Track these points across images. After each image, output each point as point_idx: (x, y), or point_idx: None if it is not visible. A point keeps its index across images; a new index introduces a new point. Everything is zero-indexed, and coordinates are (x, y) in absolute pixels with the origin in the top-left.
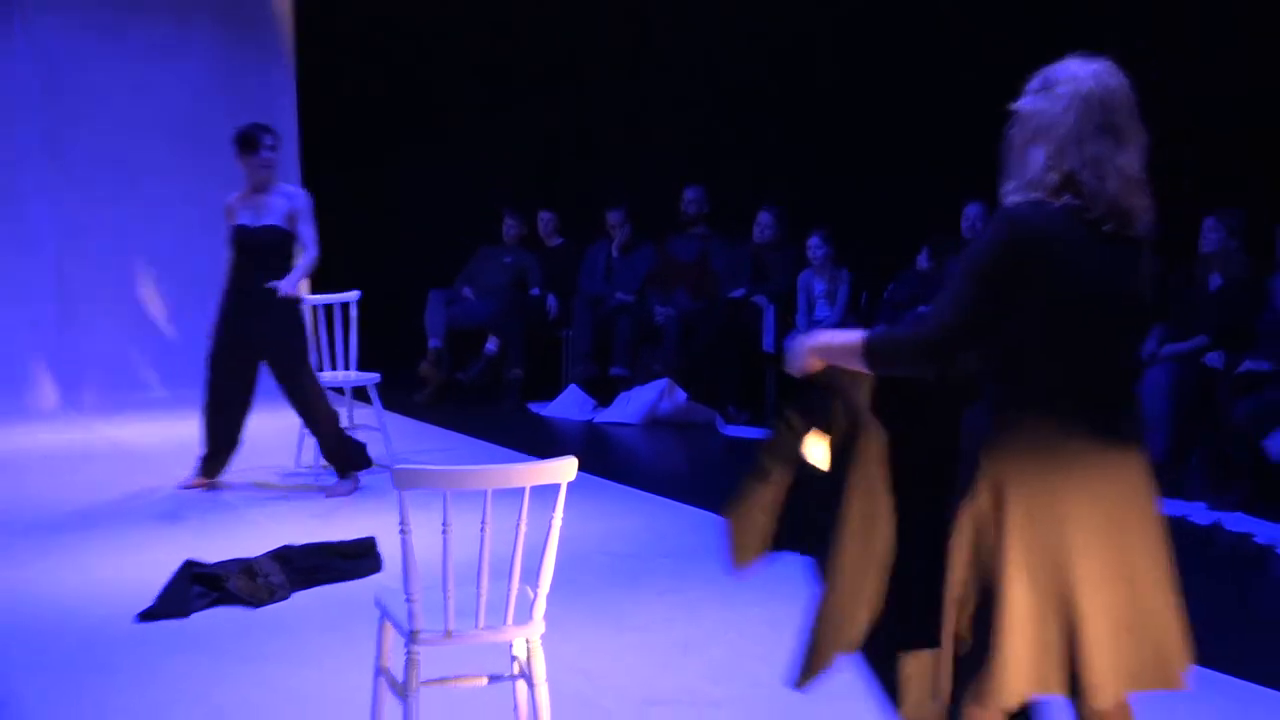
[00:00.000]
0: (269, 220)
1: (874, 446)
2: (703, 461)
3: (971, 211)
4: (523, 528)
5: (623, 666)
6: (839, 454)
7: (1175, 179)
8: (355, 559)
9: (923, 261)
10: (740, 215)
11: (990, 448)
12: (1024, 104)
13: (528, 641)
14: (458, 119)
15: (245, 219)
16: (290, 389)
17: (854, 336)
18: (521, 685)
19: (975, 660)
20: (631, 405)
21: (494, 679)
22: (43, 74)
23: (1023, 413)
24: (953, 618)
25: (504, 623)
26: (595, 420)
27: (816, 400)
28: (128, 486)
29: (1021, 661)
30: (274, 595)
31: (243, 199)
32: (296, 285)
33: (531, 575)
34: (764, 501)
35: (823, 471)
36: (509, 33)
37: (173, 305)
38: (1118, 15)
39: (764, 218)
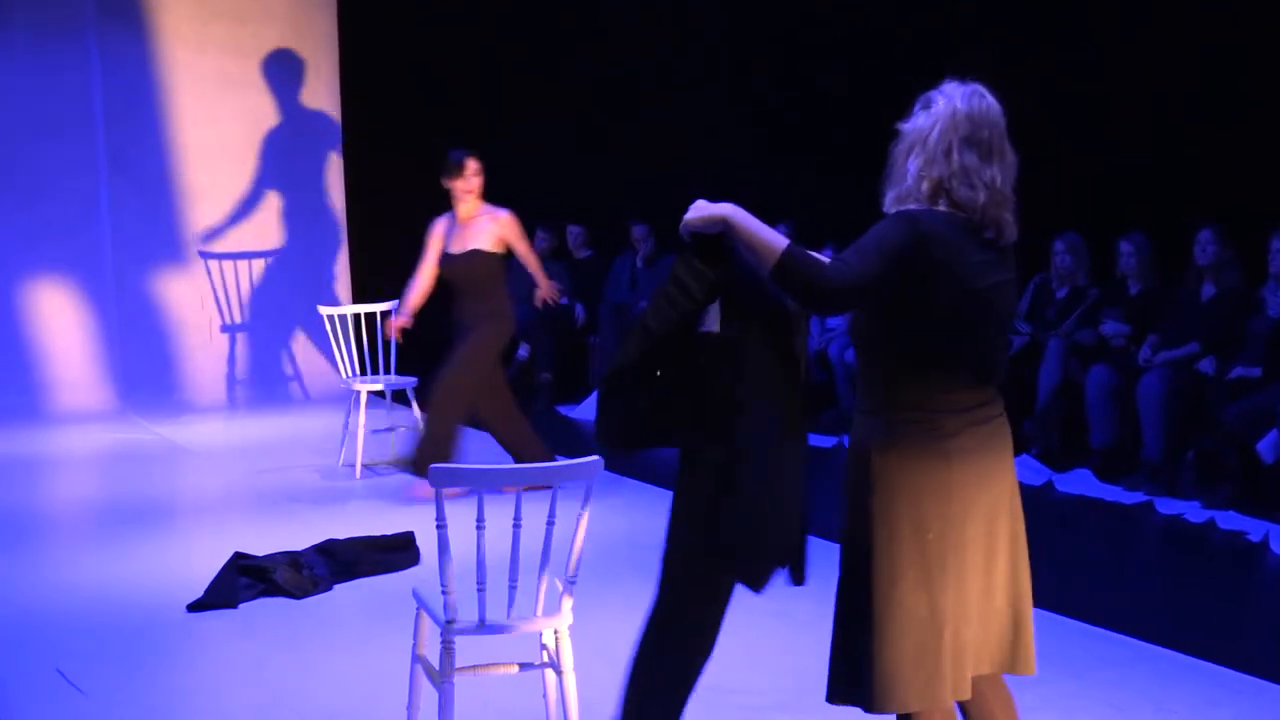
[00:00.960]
0: (473, 245)
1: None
2: None
3: None
4: (553, 523)
5: None
6: (729, 329)
7: (1173, 191)
8: (395, 553)
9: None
10: None
11: (881, 448)
12: (906, 123)
13: (556, 631)
14: (491, 139)
15: (450, 247)
16: (446, 382)
17: (776, 238)
18: (550, 673)
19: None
20: None
21: (524, 667)
22: (115, 98)
23: (906, 409)
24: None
25: (534, 614)
26: None
27: (715, 259)
28: (180, 484)
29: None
30: (317, 587)
31: (450, 225)
32: (544, 276)
33: (560, 568)
34: (646, 386)
35: (717, 352)
36: (540, 55)
37: (225, 315)
38: (1114, 26)
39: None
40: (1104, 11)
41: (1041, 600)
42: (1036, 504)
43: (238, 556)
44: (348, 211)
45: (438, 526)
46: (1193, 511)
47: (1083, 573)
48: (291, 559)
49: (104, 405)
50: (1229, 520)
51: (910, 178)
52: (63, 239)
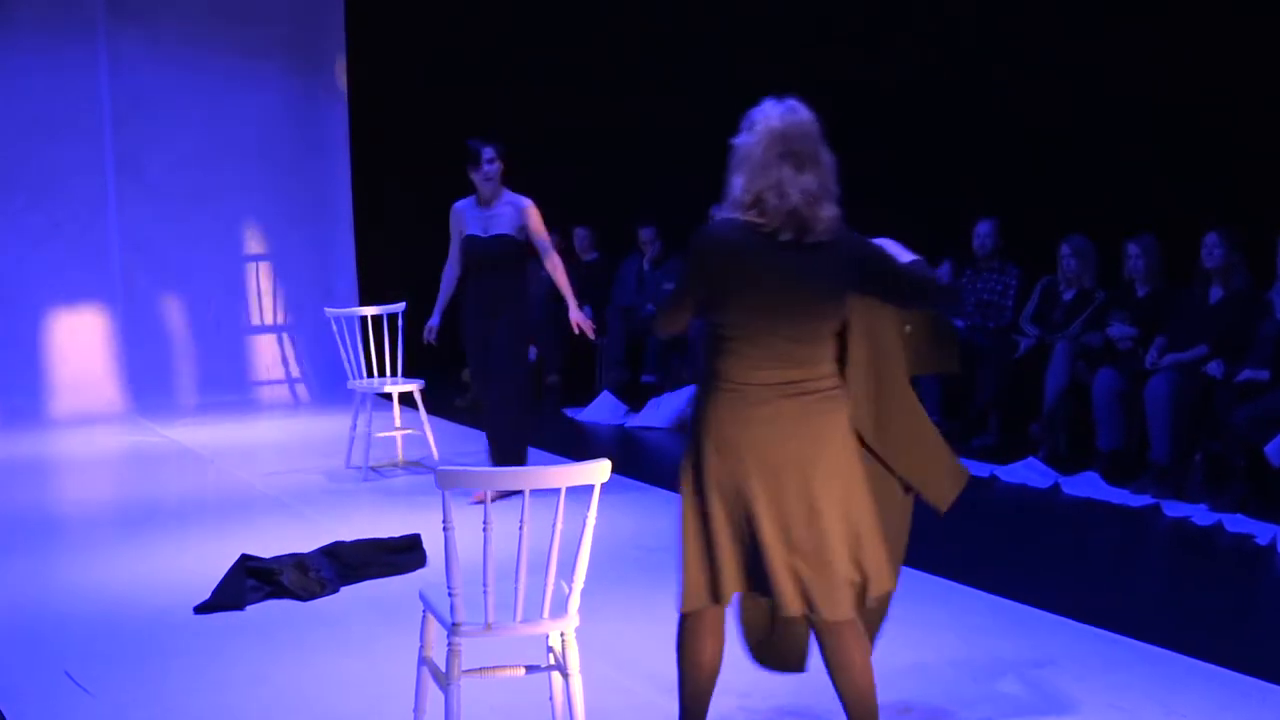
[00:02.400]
0: (498, 230)
1: None
2: None
3: (982, 229)
4: (559, 526)
5: (653, 657)
6: None
7: (1181, 193)
8: (401, 555)
9: (943, 275)
10: None
11: (700, 408)
12: (735, 140)
13: (563, 634)
14: (498, 141)
15: (475, 229)
16: (501, 387)
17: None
18: (557, 676)
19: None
20: (662, 410)
21: (531, 669)
22: (123, 98)
23: (721, 380)
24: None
25: (541, 616)
26: (627, 424)
27: None
28: (187, 486)
29: (699, 573)
30: (324, 589)
31: (474, 208)
32: (575, 303)
33: (567, 571)
34: None
35: None
36: (547, 57)
37: (231, 315)
38: (1122, 26)
39: None
40: (1112, 11)
41: (1048, 602)
42: (1043, 507)
43: (245, 559)
44: (355, 213)
45: (444, 528)
46: (1200, 514)
47: (1090, 575)
48: (298, 561)
49: (111, 407)
50: (1236, 523)
51: (737, 191)
52: (71, 240)
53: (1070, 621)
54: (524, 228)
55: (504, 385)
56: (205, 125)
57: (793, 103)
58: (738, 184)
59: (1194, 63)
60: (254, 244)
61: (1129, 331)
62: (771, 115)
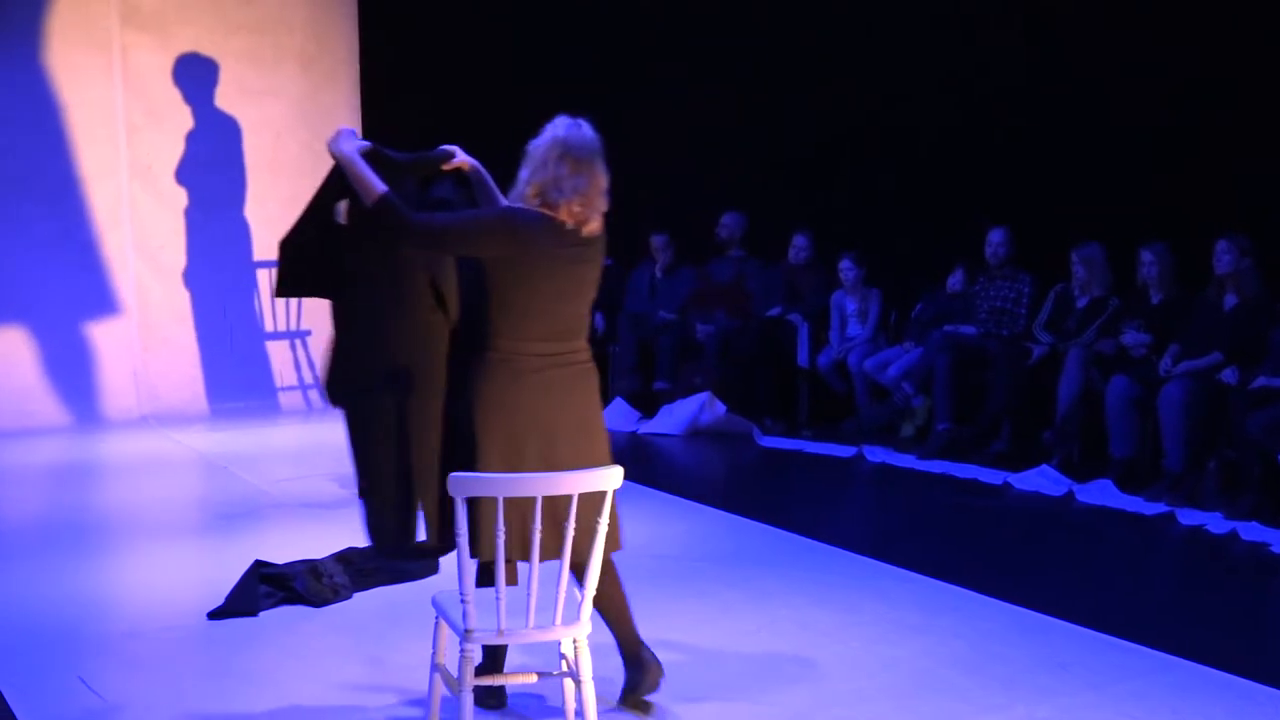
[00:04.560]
0: None
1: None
2: (741, 470)
3: (995, 238)
4: (571, 532)
5: (665, 664)
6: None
7: (1195, 200)
8: (414, 561)
9: (955, 283)
10: (774, 239)
11: (477, 375)
12: (531, 143)
13: (575, 640)
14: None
15: None
16: None
17: (376, 184)
18: (569, 682)
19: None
20: (674, 417)
21: (543, 676)
22: (137, 107)
23: (499, 351)
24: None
25: (553, 623)
26: (640, 431)
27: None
28: (200, 491)
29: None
30: (337, 595)
31: None
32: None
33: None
34: (314, 239)
35: (337, 225)
36: (558, 66)
37: (244, 321)
38: (1131, 34)
39: (799, 240)
40: (1118, 18)
41: (1062, 610)
42: (1057, 515)
43: (258, 565)
44: None
45: (456, 534)
46: (1215, 522)
47: (1103, 583)
48: (311, 567)
49: (125, 414)
50: (1251, 531)
51: (521, 183)
52: (85, 247)
53: (1084, 629)
54: None
55: None
56: (218, 134)
57: (580, 120)
58: (523, 178)
59: (1203, 69)
60: (266, 252)
61: (1143, 339)
62: (559, 126)
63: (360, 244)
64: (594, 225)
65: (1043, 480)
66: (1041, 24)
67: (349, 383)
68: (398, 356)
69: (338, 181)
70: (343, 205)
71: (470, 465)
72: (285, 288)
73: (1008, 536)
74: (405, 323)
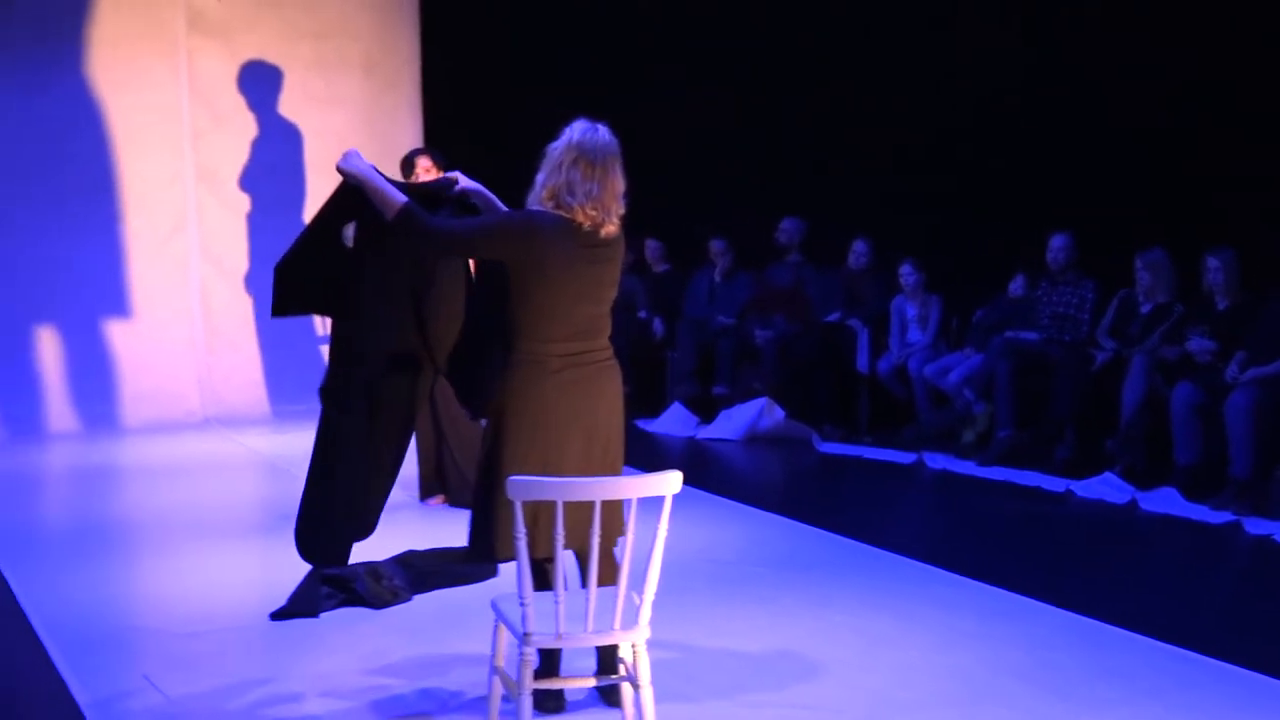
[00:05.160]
0: None
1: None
2: (799, 476)
3: (1056, 243)
4: (630, 537)
5: (722, 670)
6: (361, 246)
7: (1262, 205)
8: (472, 564)
9: (1016, 289)
10: (833, 244)
11: (504, 378)
12: (549, 146)
13: (634, 645)
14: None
15: None
16: None
17: (396, 196)
18: (627, 687)
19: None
20: (732, 422)
21: (602, 680)
22: (203, 113)
23: (523, 353)
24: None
25: (612, 627)
26: (698, 436)
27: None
28: (264, 494)
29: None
30: (397, 597)
31: None
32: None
33: (638, 582)
34: (316, 258)
35: (344, 247)
36: (620, 72)
37: (304, 324)
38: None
39: (858, 246)
40: (1185, 21)
41: (1124, 620)
42: (1120, 523)
43: (319, 566)
44: None
45: (515, 538)
46: None
47: (1167, 593)
48: (372, 570)
49: (189, 416)
50: None
51: (537, 186)
52: (152, 251)
53: (1145, 638)
54: None
55: None
56: (282, 139)
57: (600, 125)
58: (539, 180)
59: (1272, 73)
60: None
61: (1208, 345)
62: (575, 131)
63: (363, 267)
64: (611, 228)
65: (1106, 488)
66: (1108, 27)
67: (334, 394)
68: (376, 373)
69: (344, 204)
70: (350, 229)
71: (498, 465)
72: (283, 307)
73: (1069, 544)
74: (390, 343)
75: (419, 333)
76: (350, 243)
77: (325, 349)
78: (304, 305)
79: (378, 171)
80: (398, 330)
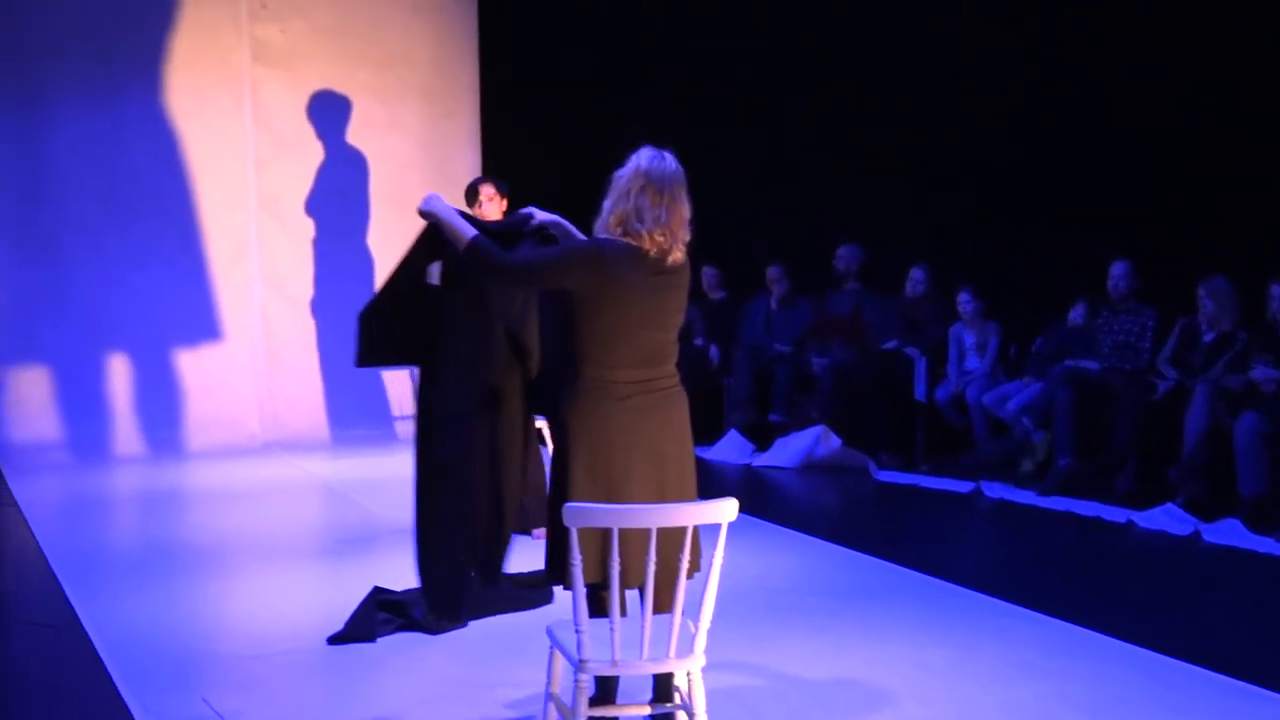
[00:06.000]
0: None
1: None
2: (856, 504)
3: (1117, 270)
4: (685, 564)
5: (779, 699)
6: (446, 285)
7: None
8: (529, 590)
9: (1076, 316)
10: (891, 272)
11: (569, 403)
12: (616, 173)
13: (689, 673)
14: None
15: None
16: None
17: (466, 230)
18: (682, 715)
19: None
20: (789, 450)
21: (656, 708)
22: (266, 140)
23: (589, 379)
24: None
25: (667, 655)
26: (754, 464)
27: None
28: (323, 519)
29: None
30: (454, 623)
31: None
32: None
33: (693, 609)
34: (401, 304)
35: (431, 287)
36: (675, 104)
37: None
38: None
39: (916, 274)
40: (1251, 49)
41: (1186, 653)
42: (1182, 554)
43: (377, 591)
44: None
45: (570, 565)
46: None
47: (1230, 626)
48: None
49: (250, 440)
50: None
51: (604, 213)
52: (215, 276)
53: (1208, 672)
54: None
55: None
56: (343, 166)
57: (665, 151)
58: (606, 207)
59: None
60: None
61: (1273, 374)
62: (642, 158)
63: (452, 304)
64: (678, 254)
65: (1168, 519)
66: (1168, 55)
67: (431, 434)
68: (476, 412)
69: (428, 245)
70: (435, 267)
71: (564, 492)
72: (366, 358)
73: (1130, 576)
74: (488, 378)
75: (518, 366)
76: (435, 279)
77: (388, 376)
78: (387, 356)
79: (460, 213)
80: (483, 367)
